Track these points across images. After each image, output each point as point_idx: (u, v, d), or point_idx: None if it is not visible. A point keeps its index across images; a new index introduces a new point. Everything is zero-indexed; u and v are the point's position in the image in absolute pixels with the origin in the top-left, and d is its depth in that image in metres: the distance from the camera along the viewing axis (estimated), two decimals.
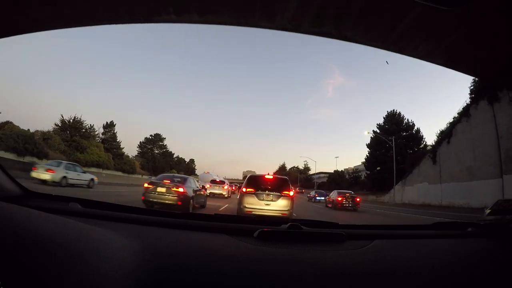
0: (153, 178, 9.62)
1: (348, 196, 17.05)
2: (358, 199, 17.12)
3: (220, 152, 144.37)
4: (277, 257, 0.92)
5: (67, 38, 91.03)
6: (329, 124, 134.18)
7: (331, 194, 19.63)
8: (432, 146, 30.10)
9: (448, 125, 26.02)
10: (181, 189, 8.26)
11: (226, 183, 20.09)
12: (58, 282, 0.58)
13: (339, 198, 16.95)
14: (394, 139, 36.24)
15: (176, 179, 9.01)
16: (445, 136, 26.44)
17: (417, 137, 39.60)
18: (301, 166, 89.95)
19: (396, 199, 31.24)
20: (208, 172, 22.64)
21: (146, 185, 8.59)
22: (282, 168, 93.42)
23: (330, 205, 18.73)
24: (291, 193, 7.84)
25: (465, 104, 24.35)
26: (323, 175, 67.80)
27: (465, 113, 23.79)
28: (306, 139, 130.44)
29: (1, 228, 0.62)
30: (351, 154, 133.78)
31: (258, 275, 0.81)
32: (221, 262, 0.85)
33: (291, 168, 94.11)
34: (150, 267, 0.76)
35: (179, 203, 8.09)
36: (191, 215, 1.28)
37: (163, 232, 1.05)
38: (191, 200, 8.75)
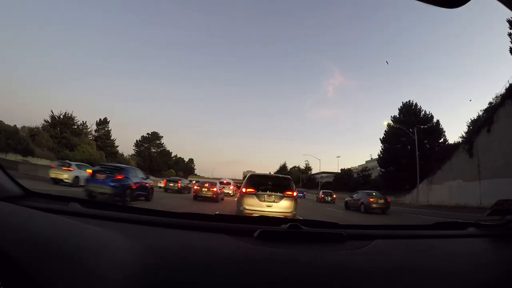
0: (198, 183, 15.96)
1: (328, 194, 27.52)
2: (334, 196, 26.91)
3: (220, 152, 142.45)
4: (277, 257, 0.92)
5: (62, 31, 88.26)
6: (330, 124, 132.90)
7: (319, 193, 29.79)
8: (465, 136, 25.91)
9: (483, 112, 22.49)
10: (215, 189, 14.95)
11: (231, 184, 24.51)
12: (58, 282, 0.58)
13: (322, 195, 27.60)
14: (413, 132, 32.43)
15: (210, 183, 15.51)
16: (483, 123, 22.17)
17: (437, 129, 35.38)
18: (302, 166, 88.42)
19: (421, 200, 26.94)
20: (225, 178, 28.63)
21: (195, 187, 15.69)
22: (283, 168, 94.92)
23: (316, 200, 28.26)
24: (294, 193, 7.27)
25: (508, 85, 20.44)
26: (325, 174, 66.00)
27: (509, 95, 19.62)
28: (307, 139, 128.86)
29: (1, 228, 0.62)
30: (352, 154, 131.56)
31: (258, 275, 0.81)
32: (221, 262, 0.85)
33: (292, 168, 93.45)
34: (150, 267, 0.76)
35: (214, 196, 14.65)
36: (191, 215, 1.23)
37: (163, 232, 1.04)
38: (219, 195, 15.30)
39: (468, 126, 29.97)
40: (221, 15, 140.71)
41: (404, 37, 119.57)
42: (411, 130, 30.00)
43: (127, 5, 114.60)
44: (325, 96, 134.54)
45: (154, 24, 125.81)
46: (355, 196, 18.32)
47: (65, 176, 14.46)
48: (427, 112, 36.75)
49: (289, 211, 6.95)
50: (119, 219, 1.09)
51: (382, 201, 16.20)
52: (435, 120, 36.15)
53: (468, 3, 0.70)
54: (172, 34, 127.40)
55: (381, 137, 38.74)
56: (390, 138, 37.02)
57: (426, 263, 1.00)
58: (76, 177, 14.52)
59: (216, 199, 14.76)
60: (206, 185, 15.23)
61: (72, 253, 0.67)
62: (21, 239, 0.61)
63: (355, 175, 49.70)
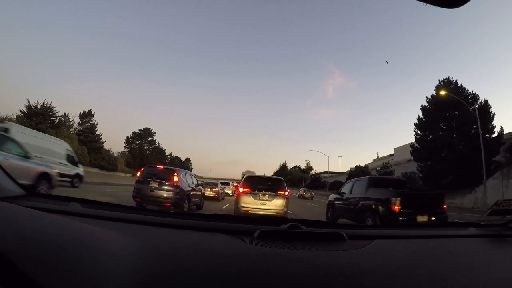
0: (205, 185, 16.75)
1: (306, 192, 39.84)
2: (304, 193, 38.14)
3: (219, 151, 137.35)
4: (278, 257, 0.93)
5: (58, 25, 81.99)
6: (330, 124, 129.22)
7: (301, 190, 42.96)
8: None
9: None
10: (217, 189, 17.80)
11: (231, 185, 26.04)
12: (58, 282, 0.57)
13: (304, 192, 40.13)
14: (457, 116, 25.12)
15: (213, 184, 18.78)
16: None
17: (487, 111, 26.97)
18: (303, 166, 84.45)
19: (490, 202, 19.73)
20: (230, 181, 31.13)
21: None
22: (283, 168, 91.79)
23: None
24: (286, 193, 8.10)
25: None
26: (328, 174, 62.17)
27: None
28: (307, 139, 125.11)
29: (1, 228, 0.62)
30: (353, 154, 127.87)
31: (258, 275, 0.82)
32: (221, 262, 0.86)
33: (293, 167, 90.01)
34: (150, 267, 0.76)
35: (216, 196, 17.37)
36: (191, 215, 1.27)
37: (163, 232, 1.05)
38: (220, 195, 18.39)
39: None
40: (221, 16, 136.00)
41: (404, 37, 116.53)
42: (454, 114, 22.87)
43: (126, 4, 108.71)
44: (325, 97, 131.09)
45: (153, 23, 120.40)
46: (300, 191, 40.09)
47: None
48: (471, 91, 28.56)
49: (281, 208, 7.86)
50: (119, 219, 1.09)
51: (309, 194, 37.83)
52: (482, 100, 27.83)
53: (468, 3, 0.71)
54: (173, 34, 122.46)
55: (415, 122, 30.83)
56: (429, 123, 29.07)
57: (426, 263, 1.01)
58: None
59: (218, 198, 17.42)
60: (209, 186, 18.00)
61: (72, 253, 0.66)
62: (21, 239, 0.61)
63: (374, 173, 44.07)
